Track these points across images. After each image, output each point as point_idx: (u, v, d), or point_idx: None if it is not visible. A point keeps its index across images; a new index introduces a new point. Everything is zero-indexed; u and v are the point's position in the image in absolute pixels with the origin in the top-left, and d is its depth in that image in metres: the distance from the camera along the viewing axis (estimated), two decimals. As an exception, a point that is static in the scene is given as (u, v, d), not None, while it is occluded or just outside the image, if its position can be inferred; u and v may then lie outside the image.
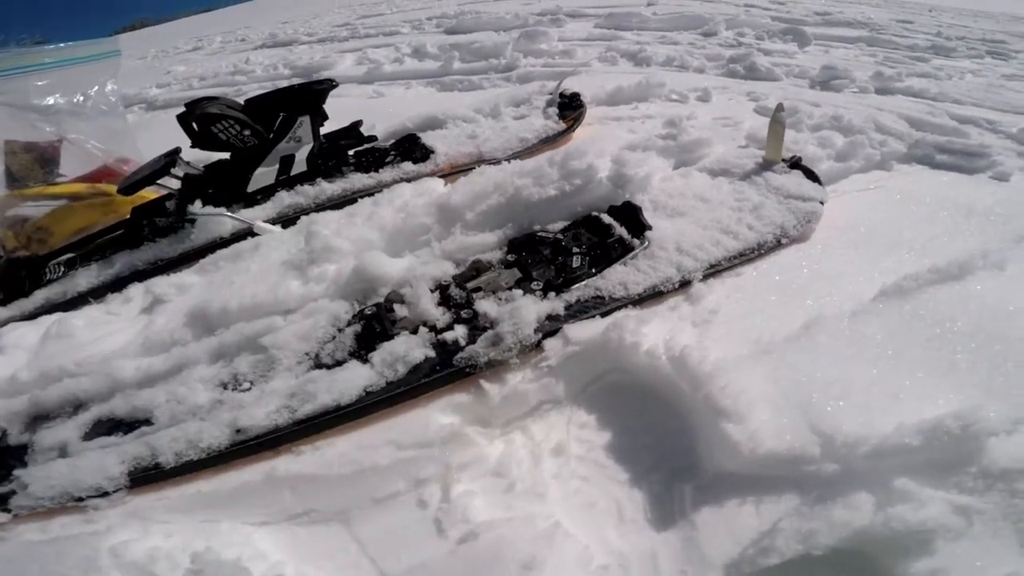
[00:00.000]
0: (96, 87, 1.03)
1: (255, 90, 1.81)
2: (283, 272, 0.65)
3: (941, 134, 0.94)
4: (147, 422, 0.50)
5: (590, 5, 2.89)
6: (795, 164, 0.71)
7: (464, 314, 0.53)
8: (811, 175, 0.69)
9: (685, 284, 0.55)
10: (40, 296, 0.76)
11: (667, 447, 0.44)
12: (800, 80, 1.31)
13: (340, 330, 0.56)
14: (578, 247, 0.57)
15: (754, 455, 0.39)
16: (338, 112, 0.94)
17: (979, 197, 0.71)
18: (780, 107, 0.69)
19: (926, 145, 0.88)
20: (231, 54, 3.23)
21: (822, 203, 0.64)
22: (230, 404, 0.49)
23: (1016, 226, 0.63)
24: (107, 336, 0.65)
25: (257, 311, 0.60)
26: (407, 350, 0.50)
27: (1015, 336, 0.45)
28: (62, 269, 0.80)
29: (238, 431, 0.47)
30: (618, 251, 0.57)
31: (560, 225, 0.62)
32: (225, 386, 0.53)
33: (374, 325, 0.54)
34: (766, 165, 0.71)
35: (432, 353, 0.50)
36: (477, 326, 0.51)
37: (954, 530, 0.35)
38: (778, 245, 0.60)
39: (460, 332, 0.51)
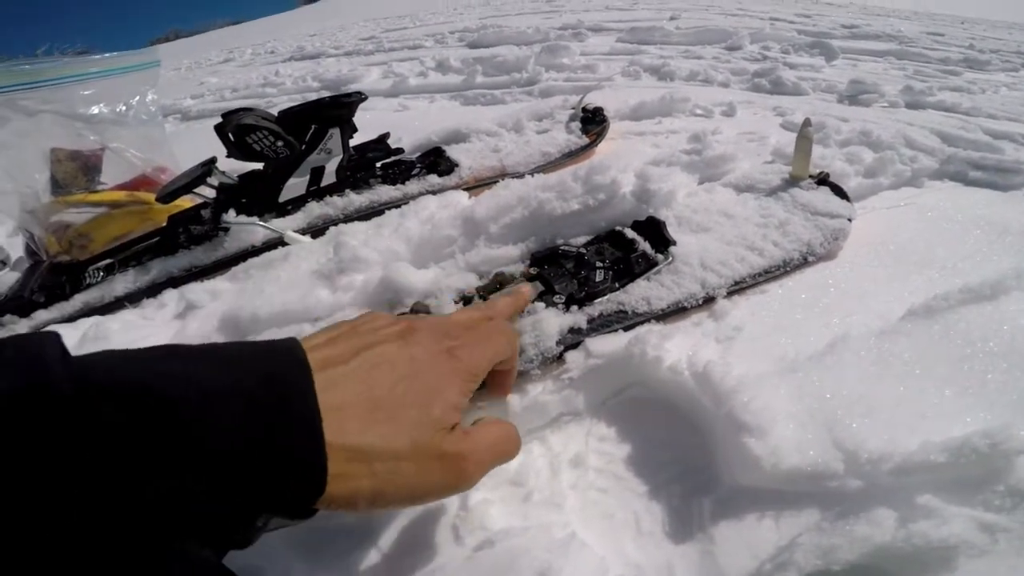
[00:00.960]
0: (137, 97, 1.06)
1: (285, 102, 1.86)
2: (312, 281, 0.66)
3: (975, 150, 0.92)
4: None
5: (612, 19, 2.91)
6: (823, 180, 0.70)
7: None
8: (839, 192, 0.68)
9: (709, 300, 0.55)
10: (79, 300, 0.78)
11: (687, 461, 0.44)
12: (827, 95, 1.30)
13: None
14: (601, 261, 0.58)
15: (776, 470, 0.39)
16: (366, 125, 0.97)
17: (1014, 216, 0.70)
18: (807, 122, 0.68)
19: (959, 161, 0.87)
20: (261, 66, 3.32)
21: (850, 220, 0.63)
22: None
23: (1054, 247, 0.62)
24: (141, 340, 0.67)
25: (287, 318, 0.61)
26: None
27: (1050, 359, 0.43)
28: (101, 274, 0.83)
29: None
30: (641, 266, 0.57)
31: (583, 239, 0.62)
32: None
33: None
34: (793, 181, 0.70)
35: None
36: None
37: (977, 547, 0.34)
38: (804, 262, 0.59)
39: None
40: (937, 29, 2.76)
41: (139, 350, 0.22)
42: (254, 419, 0.20)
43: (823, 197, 0.67)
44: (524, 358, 0.49)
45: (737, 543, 0.38)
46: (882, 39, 2.23)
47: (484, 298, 0.57)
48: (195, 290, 0.75)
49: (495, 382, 0.42)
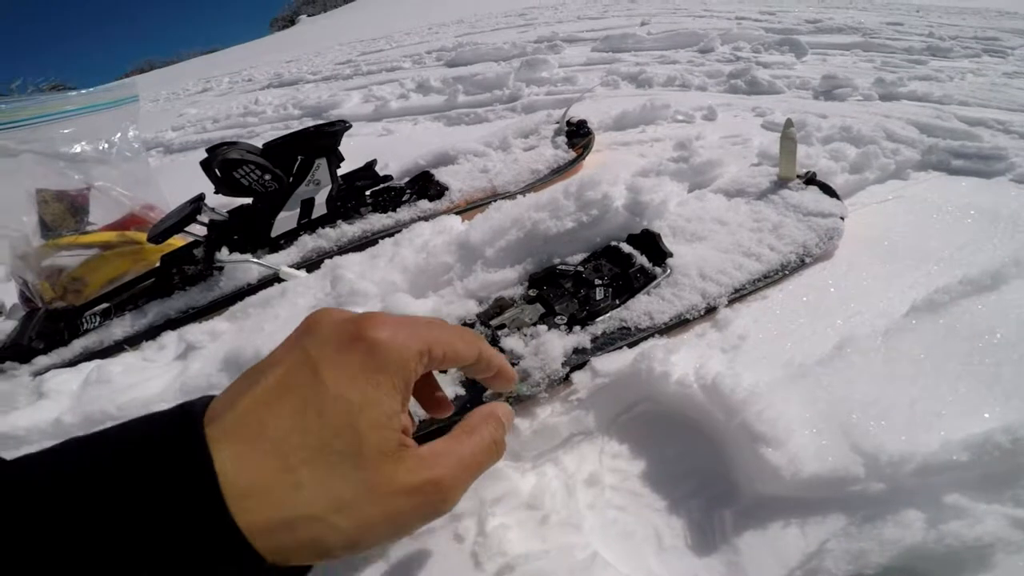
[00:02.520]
0: (119, 133, 1.05)
1: (267, 131, 1.86)
2: None
3: (953, 138, 0.94)
4: None
5: (585, 29, 2.94)
6: (811, 180, 0.71)
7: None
8: (828, 190, 0.69)
9: (711, 310, 0.55)
10: (78, 345, 0.77)
11: (704, 474, 0.43)
12: (803, 91, 1.32)
13: None
14: (600, 279, 0.58)
15: (797, 478, 0.39)
16: (352, 151, 0.96)
17: (1003, 202, 0.71)
18: (789, 123, 0.69)
19: (940, 151, 0.88)
20: (240, 94, 3.31)
21: (842, 218, 0.64)
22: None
23: (1046, 232, 0.63)
24: (145, 381, 0.66)
25: None
26: None
27: (1058, 346, 0.44)
28: (97, 319, 0.82)
29: None
30: (640, 281, 0.57)
31: (580, 257, 0.62)
32: None
33: None
34: (781, 183, 0.71)
35: (462, 391, 0.50)
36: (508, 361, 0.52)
37: (1014, 543, 0.34)
38: (802, 264, 0.60)
39: None
40: (895, 19, 2.83)
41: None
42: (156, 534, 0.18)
43: (813, 197, 0.68)
44: (531, 382, 0.49)
45: (764, 553, 0.38)
46: (846, 32, 2.28)
47: (486, 324, 0.56)
48: (194, 331, 0.73)
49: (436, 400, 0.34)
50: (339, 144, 0.85)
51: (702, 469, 0.44)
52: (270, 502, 0.20)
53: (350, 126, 0.86)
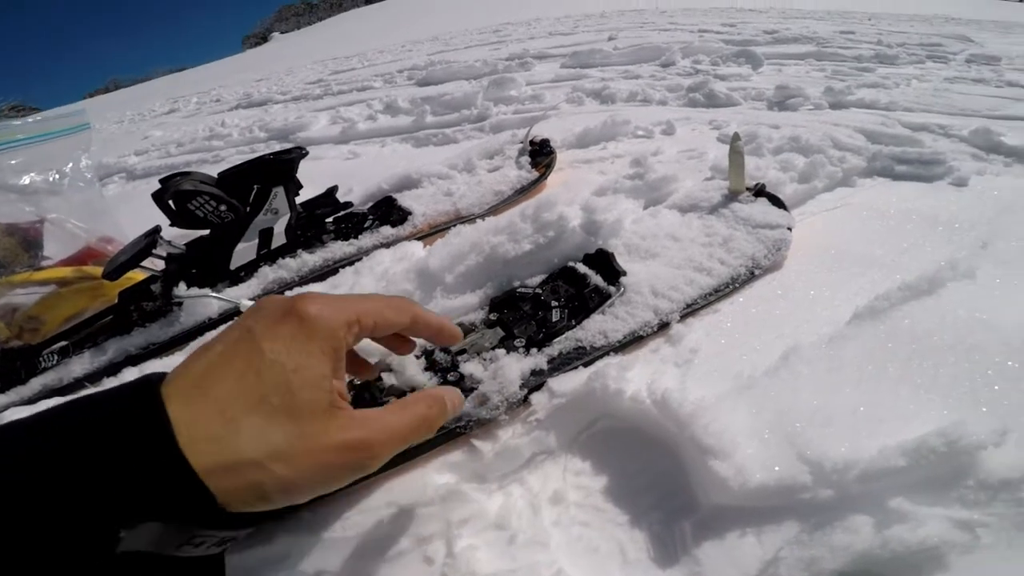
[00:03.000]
0: (71, 163, 1.02)
1: (232, 155, 1.84)
2: None
3: (897, 144, 0.97)
4: None
5: (555, 45, 2.99)
6: (759, 192, 0.73)
7: (451, 377, 0.53)
8: (776, 201, 0.71)
9: (664, 326, 0.56)
10: (37, 383, 0.75)
11: (664, 486, 0.44)
12: (758, 103, 1.36)
13: None
14: (557, 300, 0.59)
15: (744, 489, 0.40)
16: (317, 175, 0.96)
17: (942, 205, 0.74)
18: (736, 136, 0.71)
19: (884, 157, 0.91)
20: (207, 115, 3.28)
21: (790, 229, 0.66)
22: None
23: (980, 232, 0.65)
24: None
25: None
26: None
27: (993, 345, 0.46)
28: (56, 358, 0.80)
29: None
30: (595, 300, 0.58)
31: (539, 279, 0.63)
32: None
33: (364, 395, 0.54)
34: (731, 196, 0.73)
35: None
36: (464, 388, 0.52)
37: (960, 545, 0.35)
38: (752, 277, 0.61)
39: None
40: (848, 27, 2.95)
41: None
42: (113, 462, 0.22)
43: (762, 209, 0.70)
44: (489, 405, 0.50)
45: (723, 562, 0.38)
46: (801, 41, 2.37)
47: (446, 351, 0.57)
48: (155, 367, 0.73)
49: (395, 343, 0.39)
50: (296, 171, 0.85)
51: (661, 482, 0.45)
52: (217, 447, 0.23)
53: (307, 153, 0.86)
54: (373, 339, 0.35)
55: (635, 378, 0.49)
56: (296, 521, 0.46)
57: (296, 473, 0.25)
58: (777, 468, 0.40)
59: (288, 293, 0.72)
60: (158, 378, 0.25)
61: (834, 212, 0.77)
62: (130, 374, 0.74)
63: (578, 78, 1.94)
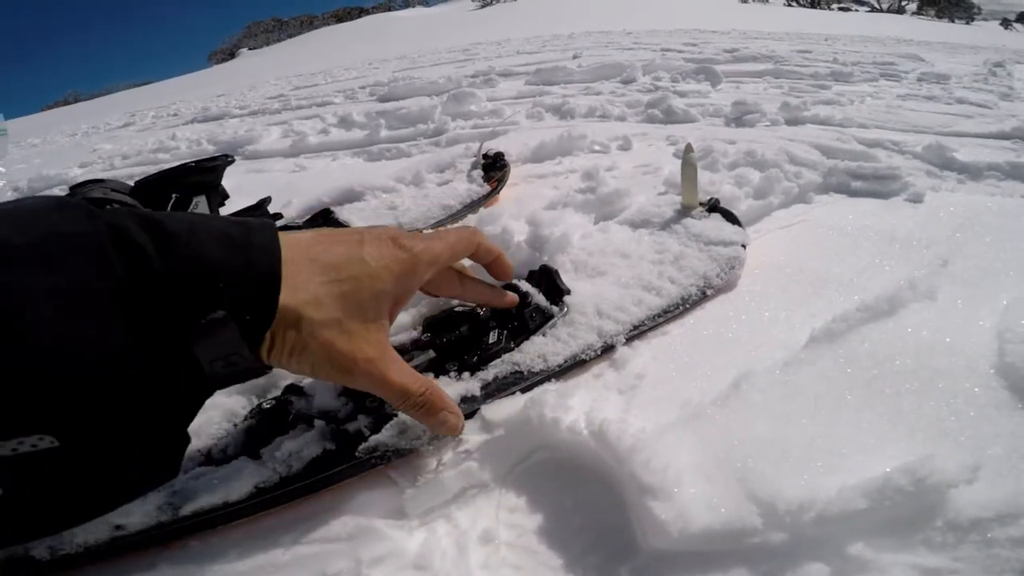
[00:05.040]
0: None
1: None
2: None
3: (852, 159, 0.97)
4: None
5: (521, 63, 3.00)
6: (713, 207, 0.70)
7: (369, 403, 0.48)
8: (731, 217, 0.68)
9: (608, 349, 0.52)
10: None
11: (602, 526, 0.40)
12: (715, 119, 1.35)
13: (235, 426, 0.50)
14: (495, 320, 0.54)
15: (685, 534, 0.35)
16: (257, 188, 0.90)
17: (898, 222, 0.72)
18: (689, 148, 0.68)
19: (839, 172, 0.90)
20: (160, 130, 3.17)
21: (744, 246, 0.63)
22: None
23: (938, 250, 0.63)
24: None
25: None
26: (302, 445, 0.45)
27: (959, 370, 0.43)
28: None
29: (117, 527, 0.40)
30: (536, 321, 0.53)
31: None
32: None
33: (270, 420, 0.48)
34: (684, 211, 0.70)
35: (332, 446, 0.45)
36: (384, 414, 0.46)
37: None
38: (703, 297, 0.58)
39: (364, 422, 0.46)
40: (805, 47, 3.04)
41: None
42: (229, 246, 0.28)
43: (715, 225, 0.66)
44: (410, 435, 0.44)
45: None
46: (759, 60, 2.41)
47: None
48: None
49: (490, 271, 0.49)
50: (220, 180, 0.78)
51: (599, 522, 0.40)
52: (300, 293, 0.30)
53: (232, 160, 0.79)
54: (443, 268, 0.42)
55: (575, 405, 0.44)
56: (184, 551, 0.41)
57: (319, 348, 0.32)
58: (723, 510, 0.35)
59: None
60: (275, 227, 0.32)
61: (790, 229, 0.74)
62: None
63: (540, 94, 1.93)
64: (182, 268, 0.26)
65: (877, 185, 0.86)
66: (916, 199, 0.81)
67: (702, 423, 0.42)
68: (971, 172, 0.93)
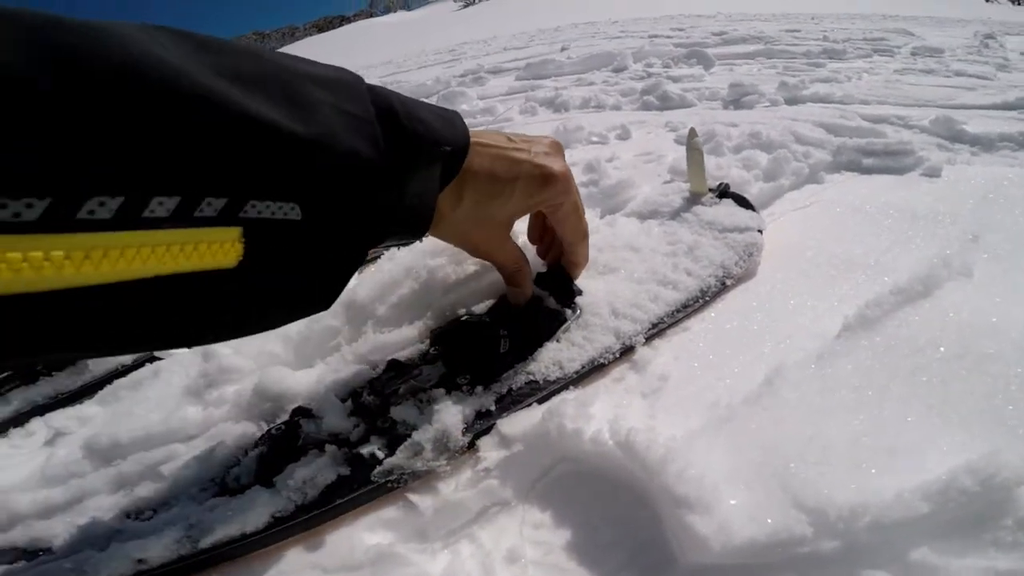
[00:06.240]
0: None
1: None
2: (181, 398, 0.59)
3: (859, 136, 0.94)
4: (48, 551, 0.44)
5: (509, 59, 2.96)
6: (724, 192, 0.67)
7: (381, 423, 0.45)
8: (743, 202, 0.65)
9: (627, 351, 0.49)
10: None
11: (635, 541, 0.37)
12: (712, 102, 1.32)
13: (246, 453, 0.47)
14: (505, 329, 0.50)
15: (729, 548, 0.32)
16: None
17: (918, 198, 0.69)
18: (693, 132, 0.65)
19: (849, 150, 0.87)
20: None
21: (760, 231, 0.60)
22: (130, 533, 0.43)
23: (965, 225, 0.60)
24: (11, 467, 0.59)
25: (154, 440, 0.53)
26: (315, 471, 0.43)
27: (1008, 353, 0.40)
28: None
29: (139, 561, 0.40)
30: (549, 326, 0.50)
31: (488, 303, 0.55)
32: (128, 515, 0.46)
33: (281, 446, 0.45)
34: (694, 198, 0.67)
35: (346, 471, 0.42)
36: (397, 435, 0.44)
37: None
38: (723, 288, 0.55)
39: (377, 444, 0.44)
40: (793, 26, 3.01)
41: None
42: (439, 124, 0.36)
43: (727, 210, 0.63)
44: (426, 456, 0.42)
45: None
46: (749, 41, 2.38)
47: (377, 393, 0.48)
48: (61, 417, 0.66)
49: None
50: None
51: (632, 536, 0.37)
52: (476, 164, 0.39)
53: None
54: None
55: (597, 414, 0.41)
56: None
57: (473, 207, 0.40)
58: (769, 520, 0.32)
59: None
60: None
61: (805, 211, 0.71)
62: (37, 424, 0.66)
63: (532, 89, 1.89)
64: (416, 128, 0.33)
65: (890, 161, 0.83)
66: (933, 173, 0.77)
67: (735, 426, 0.39)
68: (983, 144, 0.90)
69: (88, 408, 0.66)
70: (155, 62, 0.22)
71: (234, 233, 0.24)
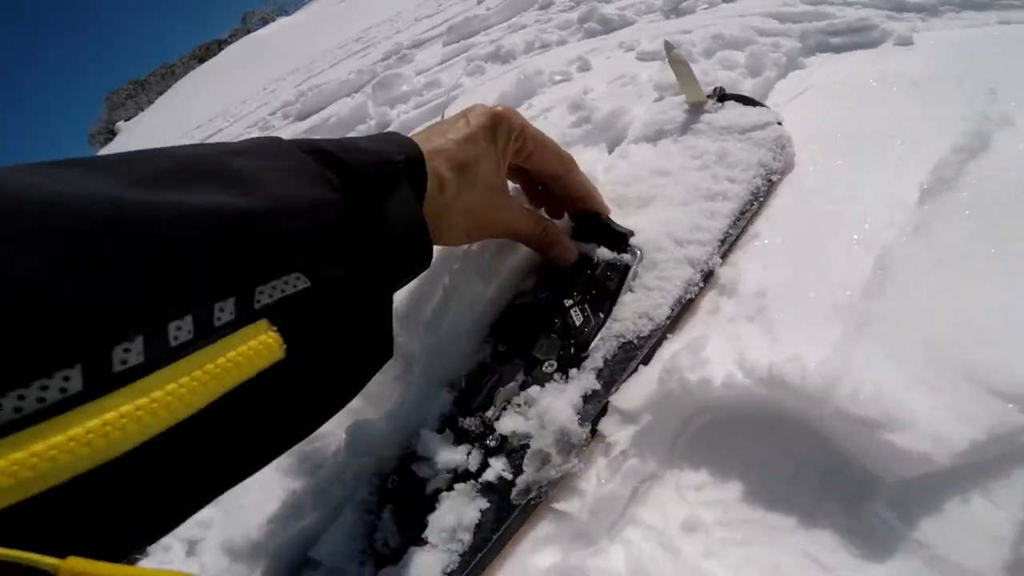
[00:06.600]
0: None
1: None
2: (283, 479, 0.51)
3: (815, 19, 0.91)
4: None
5: (427, 29, 2.82)
6: (723, 96, 0.63)
7: (491, 443, 0.40)
8: (746, 100, 0.62)
9: (708, 276, 0.45)
10: None
11: (820, 470, 0.33)
12: (652, 14, 1.28)
13: (379, 516, 0.42)
14: (569, 297, 0.45)
15: (952, 455, 0.28)
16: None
17: (908, 65, 0.67)
18: (669, 45, 0.61)
19: (813, 33, 0.85)
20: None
21: (779, 123, 0.56)
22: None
23: (975, 83, 0.57)
24: None
25: (284, 529, 0.47)
26: (457, 515, 0.38)
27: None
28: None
29: None
30: (614, 279, 0.45)
31: (533, 279, 0.49)
32: None
33: (411, 499, 0.41)
34: (695, 109, 0.63)
35: (485, 503, 0.39)
36: (514, 449, 0.40)
37: None
38: (771, 184, 0.52)
39: (500, 466, 0.39)
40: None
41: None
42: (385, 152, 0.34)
43: (737, 112, 0.59)
44: (553, 463, 0.38)
45: (960, 534, 0.27)
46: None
47: (470, 414, 0.43)
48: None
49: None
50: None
51: (815, 465, 0.33)
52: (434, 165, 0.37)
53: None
54: (527, 172, 0.47)
55: (714, 356, 0.37)
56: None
57: (469, 198, 0.40)
58: (980, 416, 0.29)
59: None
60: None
61: (805, 96, 0.68)
62: (169, 539, 0.56)
63: (467, 49, 1.80)
64: (360, 158, 0.31)
65: (857, 37, 0.80)
66: (905, 42, 0.75)
67: (877, 326, 0.35)
68: (928, 10, 0.88)
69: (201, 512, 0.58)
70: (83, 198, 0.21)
71: (262, 325, 0.24)
